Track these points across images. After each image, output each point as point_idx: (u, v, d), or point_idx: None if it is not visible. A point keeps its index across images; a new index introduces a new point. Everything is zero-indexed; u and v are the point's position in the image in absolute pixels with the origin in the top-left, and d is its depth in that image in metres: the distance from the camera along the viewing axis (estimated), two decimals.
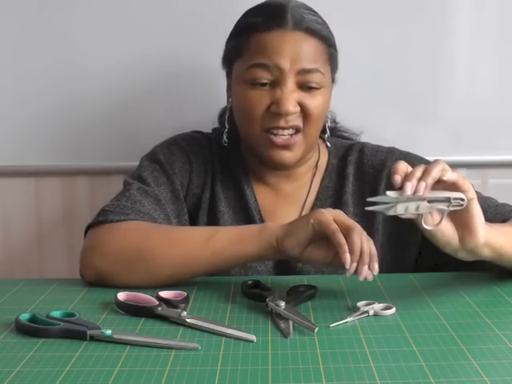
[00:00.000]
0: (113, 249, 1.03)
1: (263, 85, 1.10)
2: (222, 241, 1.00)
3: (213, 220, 1.18)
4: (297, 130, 1.12)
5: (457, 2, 1.43)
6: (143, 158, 1.22)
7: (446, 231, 0.88)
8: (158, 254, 1.01)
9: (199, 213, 1.19)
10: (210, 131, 1.29)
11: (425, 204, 0.83)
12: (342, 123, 1.34)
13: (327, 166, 1.23)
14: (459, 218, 0.88)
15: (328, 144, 1.23)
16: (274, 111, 1.10)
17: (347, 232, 0.92)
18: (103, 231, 1.06)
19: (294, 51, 1.09)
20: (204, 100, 1.44)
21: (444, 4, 1.43)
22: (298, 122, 1.11)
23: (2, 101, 1.46)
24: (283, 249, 0.98)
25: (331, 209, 0.98)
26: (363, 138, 1.34)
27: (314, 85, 1.11)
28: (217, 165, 1.22)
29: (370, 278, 0.91)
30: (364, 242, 0.91)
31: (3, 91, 1.45)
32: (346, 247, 0.90)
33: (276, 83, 1.10)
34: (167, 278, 1.01)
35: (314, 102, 1.11)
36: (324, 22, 1.15)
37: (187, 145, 1.22)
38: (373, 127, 1.35)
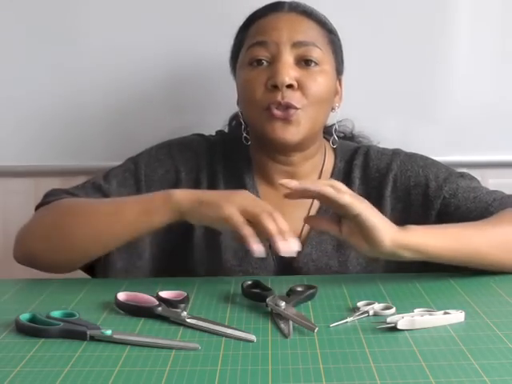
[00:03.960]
0: (35, 227, 1.08)
1: (261, 63, 1.10)
2: (130, 213, 1.02)
3: None
4: (295, 108, 1.08)
5: (456, 1, 1.43)
6: (131, 156, 1.22)
7: (356, 244, 0.96)
8: (69, 230, 1.04)
9: None
10: (213, 133, 1.28)
11: None
12: (358, 130, 1.35)
13: (333, 168, 1.21)
14: (361, 233, 0.94)
15: (331, 142, 1.22)
16: (271, 84, 1.08)
17: (256, 220, 0.93)
18: (35, 214, 1.12)
19: (291, 27, 1.11)
20: (204, 102, 1.44)
21: (443, 3, 1.43)
22: (296, 102, 1.08)
23: (2, 101, 1.46)
24: (189, 222, 1.01)
25: (244, 195, 0.98)
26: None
27: (312, 58, 1.10)
28: (219, 168, 1.19)
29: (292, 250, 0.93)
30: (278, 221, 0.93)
31: (4, 91, 1.46)
32: (251, 239, 0.91)
33: (273, 59, 1.10)
34: (82, 253, 1.05)
35: (312, 81, 1.10)
36: (324, 16, 1.16)
37: (180, 151, 1.20)
38: (372, 128, 1.35)
